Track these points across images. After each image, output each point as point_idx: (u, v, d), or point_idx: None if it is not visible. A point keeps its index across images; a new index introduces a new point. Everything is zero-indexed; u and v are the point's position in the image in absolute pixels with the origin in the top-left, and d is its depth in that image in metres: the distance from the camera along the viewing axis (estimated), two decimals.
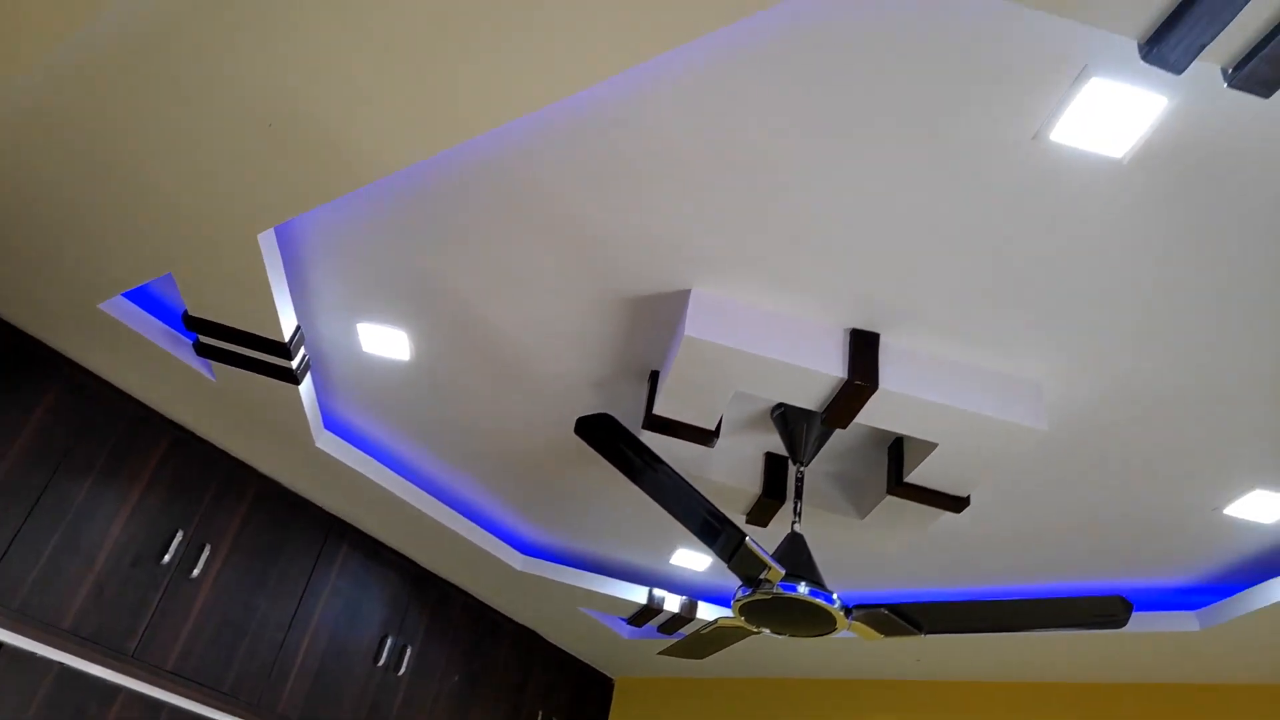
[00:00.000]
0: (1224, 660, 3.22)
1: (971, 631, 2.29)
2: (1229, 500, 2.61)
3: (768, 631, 2.38)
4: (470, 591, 4.09)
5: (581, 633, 4.31)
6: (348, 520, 3.64)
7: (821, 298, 2.22)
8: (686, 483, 2.02)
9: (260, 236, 2.19)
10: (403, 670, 3.72)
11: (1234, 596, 2.94)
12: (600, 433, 1.91)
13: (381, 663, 3.65)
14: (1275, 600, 2.77)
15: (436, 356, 2.75)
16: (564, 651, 4.57)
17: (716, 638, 2.63)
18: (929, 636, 3.54)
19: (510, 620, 4.29)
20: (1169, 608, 3.16)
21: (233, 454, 3.29)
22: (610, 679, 4.84)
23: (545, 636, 4.43)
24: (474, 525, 3.63)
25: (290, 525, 3.46)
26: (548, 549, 3.83)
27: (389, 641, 3.70)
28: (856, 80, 1.70)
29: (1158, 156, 1.71)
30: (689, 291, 2.27)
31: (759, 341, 2.23)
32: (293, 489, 3.48)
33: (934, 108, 1.72)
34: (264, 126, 1.82)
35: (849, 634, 3.72)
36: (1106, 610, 2.16)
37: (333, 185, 1.94)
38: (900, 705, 3.97)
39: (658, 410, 2.48)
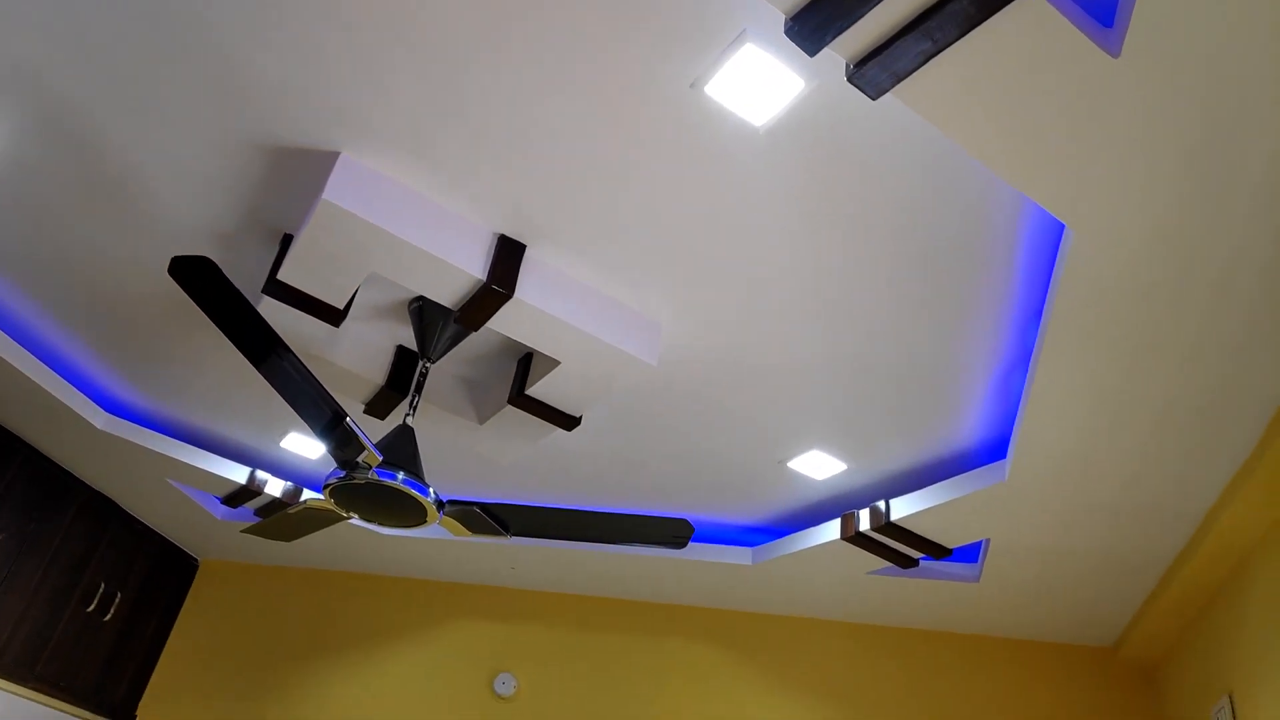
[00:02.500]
0: (769, 592, 3.74)
1: (554, 537, 2.44)
2: (792, 456, 3.01)
3: (357, 518, 2.34)
4: (37, 446, 3.59)
5: (168, 508, 3.96)
6: None
7: (477, 198, 2.19)
8: (283, 343, 1.90)
9: None
10: None
11: (781, 539, 3.42)
12: (197, 278, 1.73)
13: None
14: (809, 545, 3.25)
15: (25, 167, 2.33)
16: (144, 525, 4.18)
17: (304, 519, 2.54)
18: (522, 546, 3.73)
19: (84, 485, 3.82)
20: (732, 543, 3.61)
21: None
22: (195, 560, 4.52)
23: (123, 506, 4.02)
24: (49, 371, 3.17)
25: None
26: (139, 411, 3.46)
27: None
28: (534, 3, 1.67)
29: (793, 136, 1.89)
30: (337, 155, 2.13)
31: (403, 225, 2.15)
32: None
33: (602, 37, 1.75)
34: None
35: (446, 535, 3.79)
36: (671, 531, 2.40)
37: None
38: (491, 610, 4.14)
39: (283, 276, 2.31)
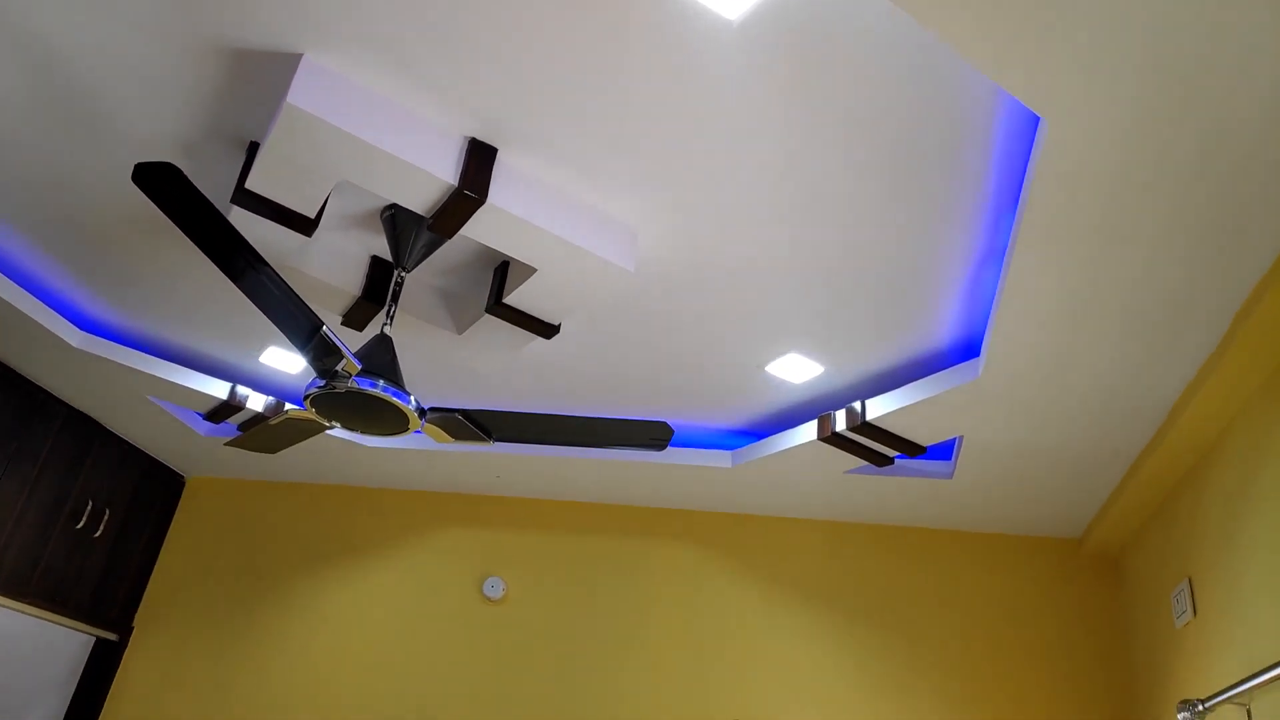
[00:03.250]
0: (747, 493, 3.83)
1: (535, 442, 2.47)
2: (771, 360, 3.04)
3: (339, 427, 2.36)
4: (14, 367, 3.57)
5: (150, 425, 3.98)
6: None
7: (446, 100, 2.14)
8: (254, 250, 1.88)
9: None
10: None
11: (760, 441, 3.49)
12: (163, 185, 1.71)
13: None
14: (787, 447, 3.32)
15: None
16: (129, 444, 4.20)
17: (286, 430, 2.56)
18: (507, 455, 3.78)
19: (64, 404, 3.82)
20: (711, 447, 3.67)
21: None
22: (182, 477, 4.56)
23: (106, 425, 4.03)
24: (21, 290, 3.13)
25: None
26: (115, 329, 3.44)
27: None
28: None
29: (766, 30, 1.85)
30: (301, 57, 2.07)
31: (371, 129, 2.11)
32: None
33: None
34: None
35: (430, 445, 3.84)
36: (651, 434, 2.44)
37: None
38: (478, 518, 4.22)
39: (251, 185, 2.27)
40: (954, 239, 2.38)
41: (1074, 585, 3.64)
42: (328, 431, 3.78)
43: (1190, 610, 2.80)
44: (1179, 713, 2.55)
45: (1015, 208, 2.21)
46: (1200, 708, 2.47)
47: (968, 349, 2.82)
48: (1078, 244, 2.08)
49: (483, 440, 2.44)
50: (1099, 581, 3.64)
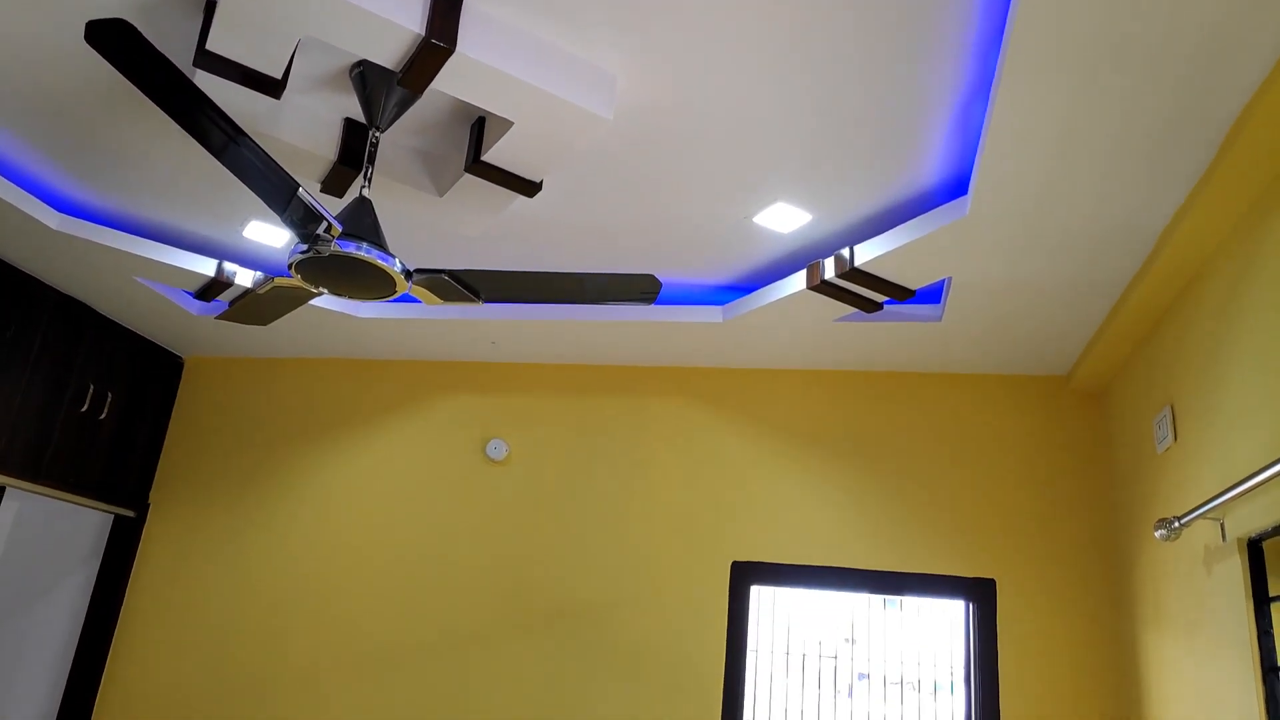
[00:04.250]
0: (739, 347, 3.87)
1: (524, 300, 2.48)
2: (758, 210, 3.01)
3: (326, 293, 2.36)
4: None
5: (141, 307, 3.98)
6: None
7: None
8: (217, 108, 1.83)
9: None
10: None
11: (750, 294, 3.50)
12: (117, 44, 1.64)
13: None
14: (777, 298, 3.33)
15: None
16: (122, 327, 4.21)
17: (275, 299, 2.56)
18: (500, 320, 3.80)
19: (52, 289, 3.81)
20: (703, 304, 3.69)
21: None
22: (179, 357, 4.60)
23: (97, 309, 4.03)
24: None
25: None
26: (95, 210, 3.38)
27: None
28: None
29: None
30: None
31: None
32: None
33: None
34: None
35: (422, 314, 3.85)
36: (639, 287, 2.44)
37: None
38: (478, 384, 4.29)
39: (212, 46, 2.19)
40: (940, 74, 2.31)
41: (1060, 421, 3.74)
42: (320, 304, 3.79)
43: (1171, 436, 2.88)
44: (1156, 530, 2.66)
45: (1001, 39, 2.13)
46: (1176, 524, 2.58)
47: (956, 187, 2.79)
48: (1066, 72, 2.02)
49: (472, 301, 2.44)
50: (1085, 416, 3.73)
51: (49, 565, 4.32)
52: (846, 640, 5.22)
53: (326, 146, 2.70)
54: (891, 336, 3.59)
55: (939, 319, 3.40)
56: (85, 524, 4.35)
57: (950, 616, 5.20)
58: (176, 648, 4.12)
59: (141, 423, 4.36)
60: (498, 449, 4.11)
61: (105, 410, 4.10)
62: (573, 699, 3.73)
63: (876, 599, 5.33)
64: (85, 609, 4.22)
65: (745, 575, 3.79)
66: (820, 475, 3.86)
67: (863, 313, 3.38)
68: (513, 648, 3.85)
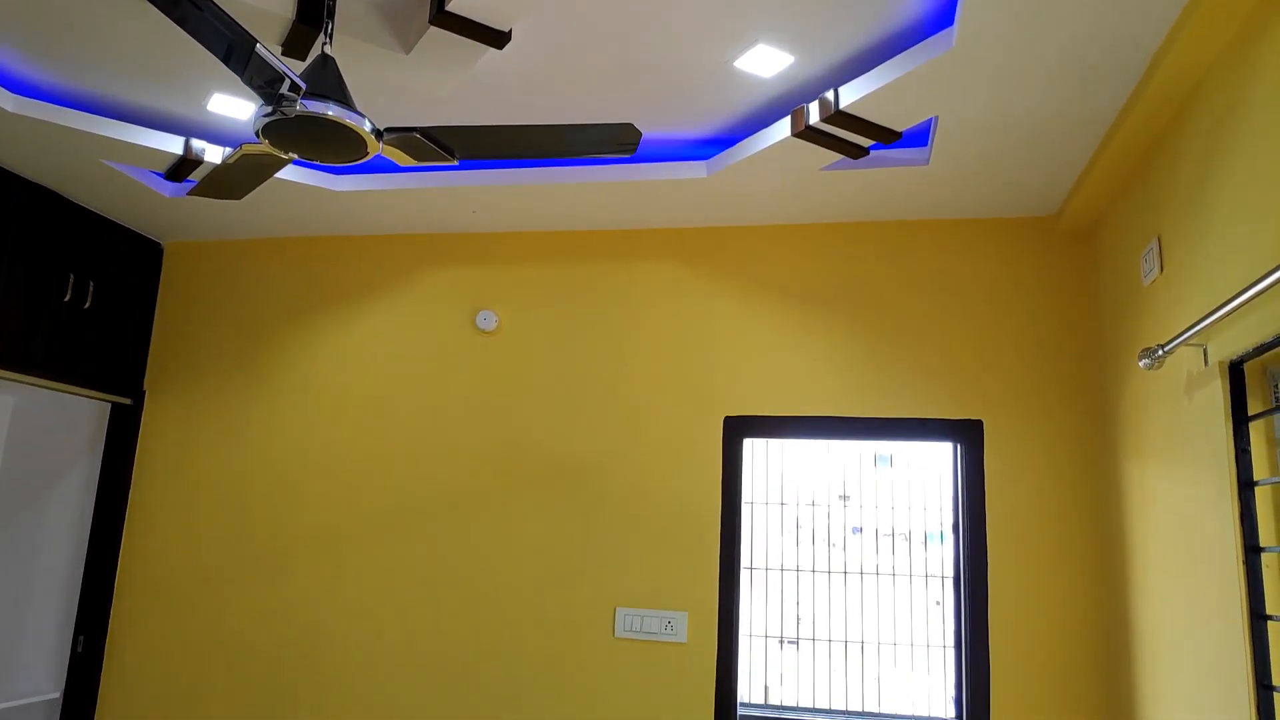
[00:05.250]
0: (725, 204, 3.82)
1: (500, 157, 2.42)
2: (738, 54, 2.91)
3: (296, 158, 2.30)
4: None
5: (113, 191, 3.89)
6: None
7: None
8: None
9: None
10: None
11: (734, 146, 3.42)
12: None
13: None
14: (761, 148, 3.26)
15: None
16: (96, 214, 4.13)
17: (245, 168, 2.50)
18: (477, 185, 3.72)
19: (18, 177, 3.71)
20: (684, 159, 3.61)
21: None
22: (158, 243, 4.54)
23: (67, 196, 3.94)
24: None
25: None
26: (53, 90, 3.25)
27: None
28: None
29: None
30: None
31: None
32: None
33: None
34: None
35: (398, 184, 3.77)
36: (617, 136, 2.38)
37: None
38: (464, 256, 4.25)
39: None
40: None
41: (1048, 263, 3.73)
42: (295, 178, 3.71)
43: (1157, 268, 2.88)
44: (1140, 360, 2.70)
45: None
46: (1160, 352, 2.61)
47: (942, 18, 2.69)
48: None
49: (447, 159, 2.38)
50: (1072, 257, 3.72)
51: (53, 456, 4.38)
52: (840, 497, 5.39)
53: (283, 4, 2.57)
54: (878, 183, 3.54)
55: (925, 163, 3.34)
56: (84, 414, 4.39)
57: (939, 469, 5.35)
58: (187, 527, 4.23)
59: (127, 311, 4.33)
60: (487, 320, 4.11)
61: (89, 300, 4.06)
62: (573, 551, 3.87)
63: (868, 458, 5.47)
64: (93, 497, 4.30)
65: (737, 429, 3.86)
66: (809, 328, 3.88)
67: (849, 159, 3.32)
68: (514, 505, 3.96)
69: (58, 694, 4.12)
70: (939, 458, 5.31)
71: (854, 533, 5.46)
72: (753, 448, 5.46)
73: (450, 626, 3.90)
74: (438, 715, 3.84)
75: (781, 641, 5.25)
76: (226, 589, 4.13)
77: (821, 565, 5.30)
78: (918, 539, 5.41)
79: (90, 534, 4.26)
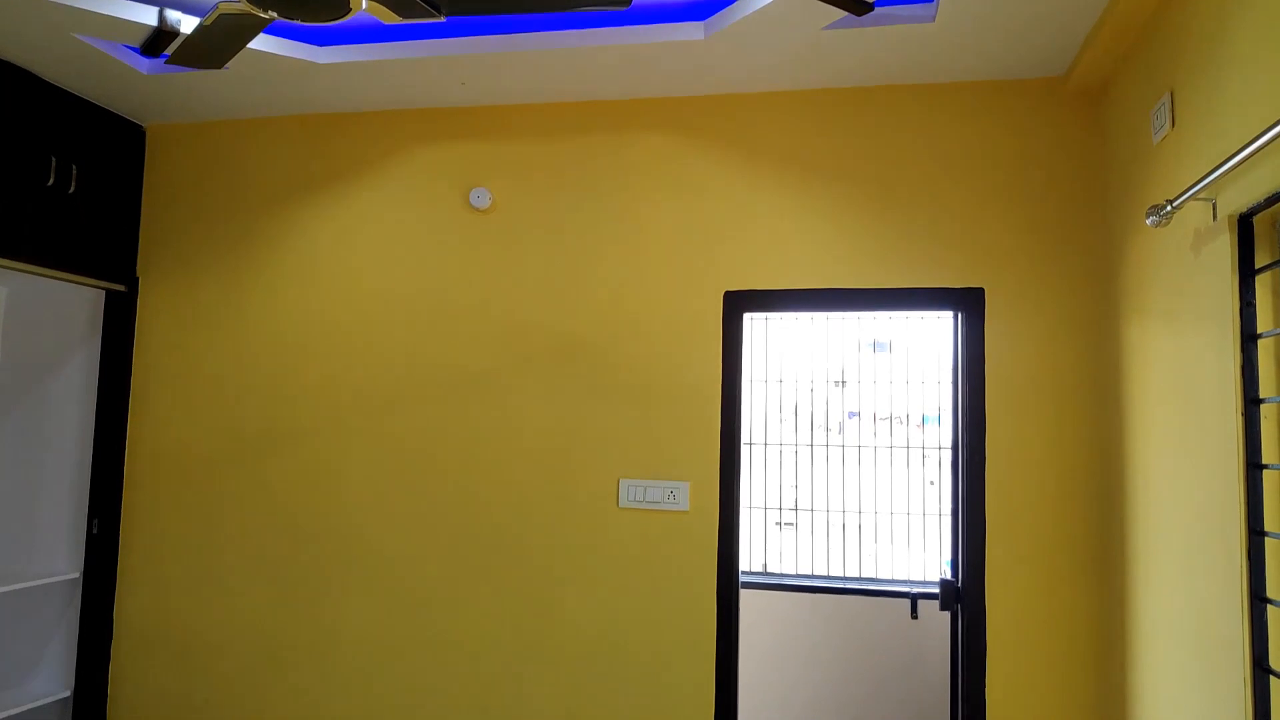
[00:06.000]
0: (723, 69, 3.69)
1: (490, 11, 2.31)
2: None
3: (276, 16, 2.20)
4: None
5: (89, 69, 3.74)
6: None
7: None
8: None
9: None
10: None
11: (733, 4, 3.28)
12: None
13: None
14: (762, 4, 3.12)
15: None
16: (72, 94, 3.99)
17: (223, 30, 2.39)
18: (464, 55, 3.58)
19: None
20: (680, 20, 3.46)
21: None
22: (139, 125, 4.41)
23: (40, 75, 3.80)
24: None
25: None
26: None
27: None
28: None
29: None
30: None
31: None
32: None
33: None
34: None
35: (381, 54, 3.64)
36: None
37: None
38: (455, 132, 4.13)
39: None
40: None
41: (1055, 125, 3.64)
42: (276, 50, 3.57)
43: (1169, 123, 2.80)
44: (1148, 218, 2.66)
45: None
46: (1169, 208, 2.57)
47: None
48: None
49: (434, 16, 2.28)
50: (1080, 118, 3.62)
51: (51, 346, 4.37)
52: (836, 383, 5.42)
53: None
54: (882, 43, 3.41)
55: (931, 19, 3.21)
56: (79, 301, 4.36)
57: (938, 349, 5.36)
58: (191, 410, 4.26)
59: (112, 195, 4.25)
60: (481, 197, 4.03)
61: (73, 184, 3.97)
62: (576, 426, 3.91)
63: (866, 344, 5.47)
64: (95, 385, 4.31)
65: (737, 303, 3.84)
66: (810, 199, 3.81)
67: (853, 16, 3.18)
68: (515, 383, 3.98)
69: (77, 574, 4.23)
70: (937, 338, 5.32)
71: (849, 417, 5.52)
72: (751, 330, 5.46)
73: (457, 501, 3.98)
74: (449, 585, 3.96)
75: (780, 525, 5.37)
76: (234, 468, 4.19)
77: (820, 449, 5.38)
78: (914, 422, 5.46)
79: (95, 420, 4.29)
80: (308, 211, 4.23)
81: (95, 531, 4.23)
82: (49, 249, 3.88)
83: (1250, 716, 2.24)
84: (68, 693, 4.18)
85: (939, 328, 5.24)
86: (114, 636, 4.24)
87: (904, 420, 5.57)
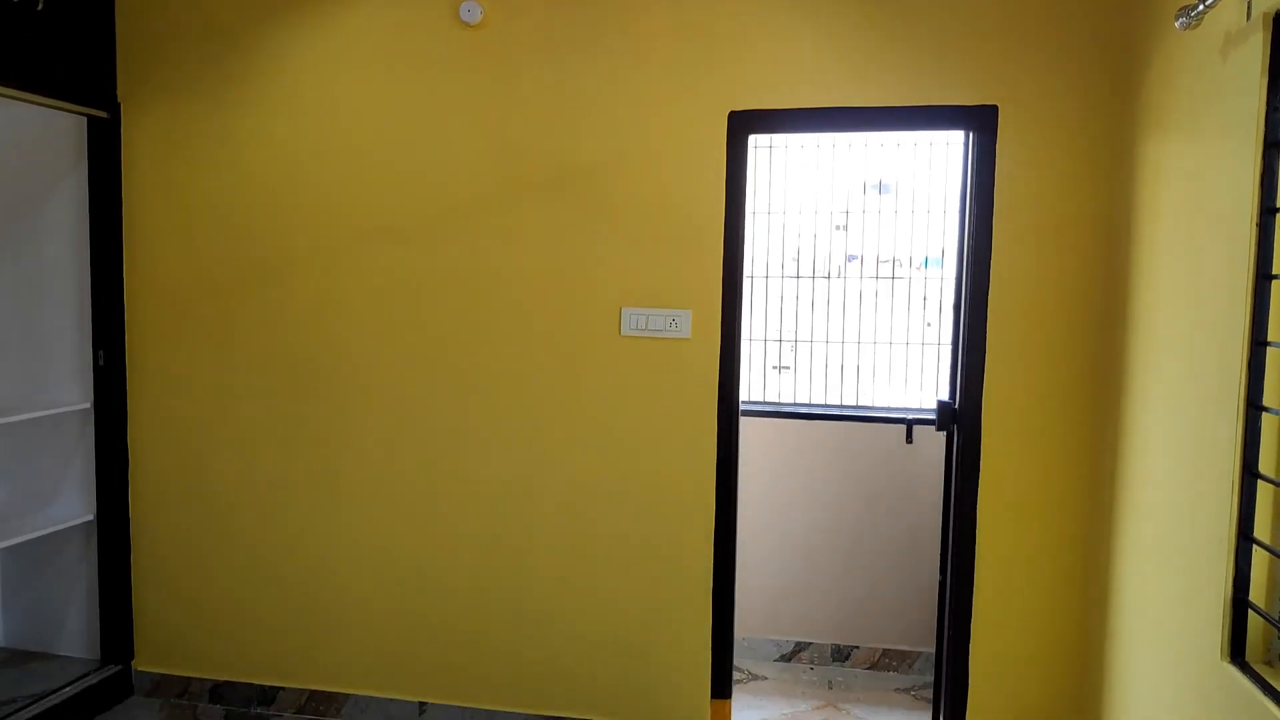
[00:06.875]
0: None
1: None
2: None
3: None
4: None
5: None
6: None
7: None
8: None
9: None
10: None
11: None
12: None
13: None
14: None
15: None
16: None
17: None
18: None
19: None
20: None
21: None
22: None
23: None
24: None
25: None
26: None
27: None
28: None
29: None
30: None
31: None
32: None
33: None
34: None
35: None
36: None
37: None
38: None
39: None
40: None
41: None
42: None
43: None
44: (1177, 20, 2.52)
45: None
46: (1201, 7, 2.42)
47: None
48: None
49: None
50: None
51: (35, 177, 4.26)
52: (838, 227, 5.32)
53: None
54: None
55: None
56: (60, 129, 4.22)
57: (945, 187, 5.23)
58: (187, 240, 4.20)
59: (83, 14, 4.02)
60: (471, 11, 3.81)
61: (40, 1, 3.75)
62: (577, 254, 3.86)
63: (871, 184, 5.32)
64: (87, 216, 4.23)
65: (742, 124, 3.71)
66: (818, 11, 3.61)
67: None
68: (514, 210, 3.90)
69: (88, 404, 4.30)
70: (943, 175, 5.19)
71: (849, 260, 5.46)
72: (755, 163, 5.31)
73: (458, 326, 3.98)
74: (448, 411, 4.02)
75: (779, 369, 5.40)
76: (234, 298, 4.18)
77: (821, 294, 5.35)
78: (915, 264, 5.41)
79: (90, 252, 4.24)
80: (290, 33, 4.02)
81: (101, 363, 4.26)
82: (17, 69, 3.71)
83: (1235, 521, 2.32)
84: (91, 516, 4.33)
85: (946, 163, 5.13)
86: (129, 465, 4.35)
87: (905, 264, 5.54)
